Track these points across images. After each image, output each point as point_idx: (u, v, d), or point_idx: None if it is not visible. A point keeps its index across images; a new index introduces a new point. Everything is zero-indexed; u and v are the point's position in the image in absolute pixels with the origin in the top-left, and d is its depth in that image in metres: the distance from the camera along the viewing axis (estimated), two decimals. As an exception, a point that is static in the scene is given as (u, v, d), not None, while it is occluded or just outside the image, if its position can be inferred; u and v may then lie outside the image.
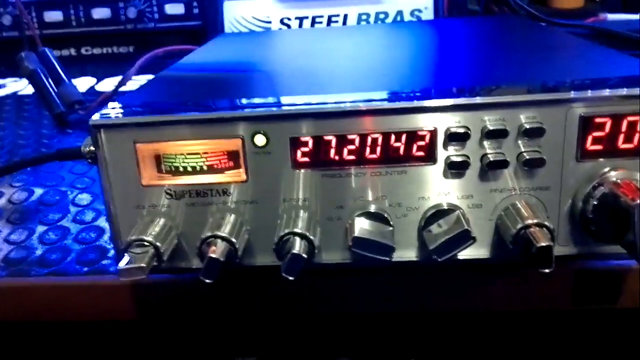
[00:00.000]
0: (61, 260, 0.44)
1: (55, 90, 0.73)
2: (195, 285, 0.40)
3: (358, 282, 0.40)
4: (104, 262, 0.43)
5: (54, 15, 0.93)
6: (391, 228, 0.35)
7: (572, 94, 0.33)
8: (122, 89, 0.77)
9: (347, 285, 0.40)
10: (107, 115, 0.34)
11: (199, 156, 0.35)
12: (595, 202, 0.34)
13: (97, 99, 0.72)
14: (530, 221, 0.33)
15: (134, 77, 0.80)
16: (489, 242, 0.36)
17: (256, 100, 0.36)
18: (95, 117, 0.34)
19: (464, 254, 0.35)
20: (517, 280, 0.40)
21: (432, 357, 0.46)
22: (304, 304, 0.41)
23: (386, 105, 0.34)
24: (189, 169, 0.35)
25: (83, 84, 0.86)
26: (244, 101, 0.36)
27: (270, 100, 0.36)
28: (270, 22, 0.92)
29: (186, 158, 0.35)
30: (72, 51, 0.96)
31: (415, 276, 0.40)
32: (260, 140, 0.34)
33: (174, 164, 0.35)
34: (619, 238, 0.33)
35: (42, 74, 0.73)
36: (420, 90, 0.35)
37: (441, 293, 0.40)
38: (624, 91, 0.33)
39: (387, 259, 0.34)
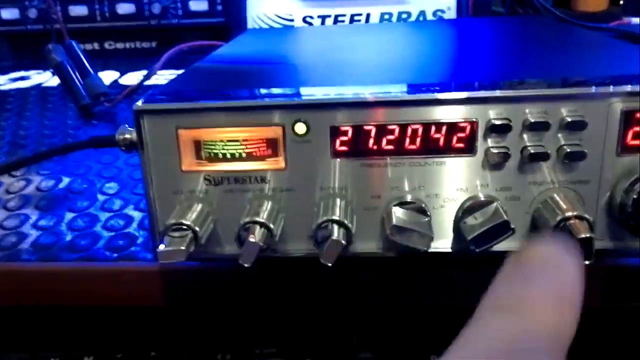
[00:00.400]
0: (90, 246, 0.44)
1: (81, 82, 0.73)
2: (225, 273, 0.41)
3: (381, 274, 0.40)
4: (133, 249, 0.44)
5: (78, 10, 0.94)
6: (428, 218, 0.35)
7: (615, 88, 0.33)
8: (147, 82, 0.77)
9: (371, 279, 0.40)
10: (151, 101, 0.35)
11: (238, 143, 0.35)
12: (635, 197, 0.34)
13: (123, 92, 0.73)
14: (570, 213, 0.33)
15: (158, 72, 0.80)
16: (525, 235, 0.36)
17: (296, 90, 0.36)
18: (139, 103, 0.34)
19: (501, 246, 0.35)
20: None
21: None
22: (327, 296, 0.41)
23: (428, 96, 0.34)
24: (228, 155, 0.35)
25: (107, 77, 0.86)
26: (284, 90, 0.36)
27: (309, 90, 0.36)
28: (292, 20, 0.93)
29: (226, 145, 0.35)
30: (96, 45, 0.97)
31: (440, 270, 0.40)
32: (300, 128, 0.34)
33: (214, 151, 0.35)
34: (657, 233, 0.33)
35: (68, 66, 0.74)
36: (463, 82, 0.35)
37: (465, 287, 0.40)
38: (667, 86, 0.33)
39: (425, 248, 0.34)
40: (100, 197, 0.52)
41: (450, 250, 0.36)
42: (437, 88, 0.34)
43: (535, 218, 0.35)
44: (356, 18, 0.93)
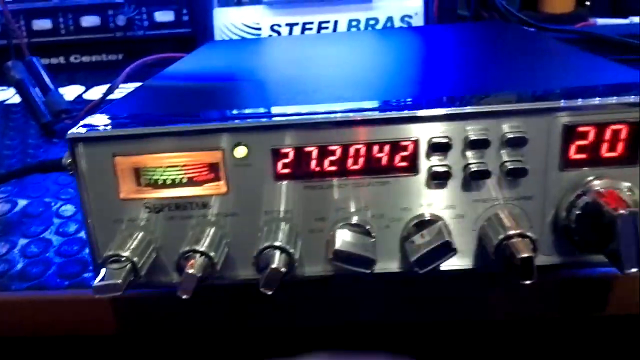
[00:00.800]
0: (42, 273, 0.43)
1: (43, 99, 0.72)
2: (176, 300, 0.40)
3: (348, 292, 0.40)
4: (86, 275, 0.43)
5: (42, 24, 0.93)
6: (373, 240, 0.34)
7: (555, 103, 0.33)
8: (110, 97, 0.76)
9: (337, 296, 0.40)
10: (86, 128, 0.34)
11: (178, 169, 0.34)
12: (578, 212, 0.33)
13: (84, 108, 0.72)
14: (512, 232, 0.32)
15: (122, 85, 0.79)
16: (472, 253, 0.35)
17: (238, 112, 0.35)
18: (73, 130, 0.34)
19: (447, 265, 0.34)
20: (503, 290, 0.39)
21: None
22: (285, 316, 0.40)
23: (367, 115, 0.33)
24: (169, 181, 0.34)
25: (72, 92, 0.85)
26: (226, 112, 0.35)
27: (254, 110, 0.35)
28: (260, 29, 0.92)
29: (165, 171, 0.34)
30: (62, 59, 0.95)
31: (402, 286, 0.39)
32: (241, 151, 0.34)
33: (153, 177, 0.34)
34: (603, 248, 0.33)
35: (28, 84, 0.73)
36: (403, 100, 0.35)
37: (427, 303, 0.40)
38: (609, 100, 0.32)
39: (368, 271, 0.33)
40: (56, 221, 0.51)
41: (397, 270, 0.36)
42: (376, 108, 0.34)
43: (480, 236, 0.35)
44: (324, 25, 0.92)
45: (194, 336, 0.44)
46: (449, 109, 0.33)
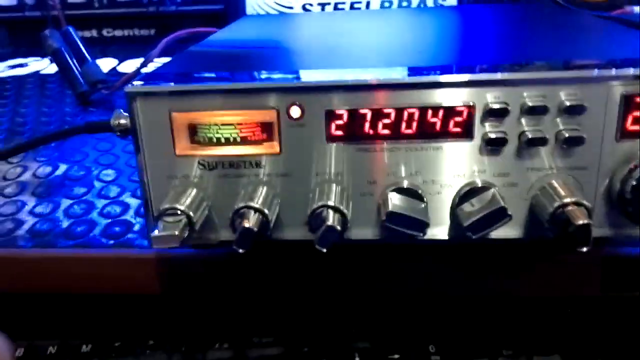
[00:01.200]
0: (87, 233, 0.44)
1: (79, 69, 0.73)
2: (221, 260, 0.40)
3: (380, 262, 0.40)
4: (130, 235, 0.43)
5: (76, -4, 0.93)
6: (424, 204, 0.34)
7: (615, 72, 0.32)
8: (144, 70, 0.77)
9: (369, 267, 0.40)
10: (144, 83, 0.34)
11: (233, 127, 0.34)
12: (633, 183, 0.33)
13: (120, 79, 0.72)
14: (568, 200, 0.32)
15: (155, 59, 0.80)
16: (522, 222, 0.35)
17: (291, 73, 0.35)
18: (132, 84, 0.34)
19: (497, 233, 0.34)
20: (544, 266, 0.39)
21: (453, 342, 0.46)
22: (324, 284, 0.41)
23: (424, 79, 0.33)
24: (223, 140, 0.35)
25: (105, 65, 0.86)
26: (279, 75, 0.35)
27: (305, 73, 0.35)
28: (292, 8, 0.92)
29: (220, 129, 0.34)
30: (94, 33, 0.96)
31: (438, 259, 0.40)
32: (295, 112, 0.34)
33: (208, 135, 0.34)
34: (656, 220, 0.33)
35: (65, 53, 0.73)
36: (458, 65, 0.35)
37: (460, 277, 0.40)
38: (667, 70, 0.32)
39: (421, 234, 0.33)
40: (97, 185, 0.51)
41: (447, 237, 0.36)
42: (436, 71, 0.34)
43: (533, 204, 0.35)
44: (356, 6, 0.92)
45: (239, 299, 0.45)
46: (507, 73, 0.33)
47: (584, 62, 0.34)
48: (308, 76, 0.35)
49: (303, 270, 0.40)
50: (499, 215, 0.33)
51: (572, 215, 0.31)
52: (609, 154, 0.34)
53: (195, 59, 0.45)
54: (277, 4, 0.93)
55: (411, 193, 0.35)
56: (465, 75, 0.33)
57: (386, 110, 0.34)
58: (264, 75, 0.35)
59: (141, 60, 0.80)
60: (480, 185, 0.35)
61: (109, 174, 0.53)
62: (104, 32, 0.96)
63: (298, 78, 0.34)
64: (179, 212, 0.33)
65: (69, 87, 0.73)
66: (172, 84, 0.34)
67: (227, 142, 0.35)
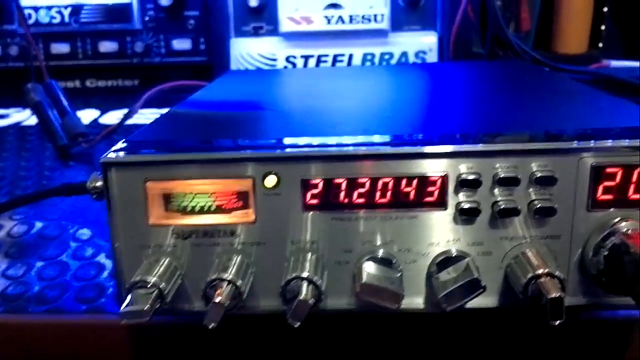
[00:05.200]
0: (59, 297, 0.43)
1: (60, 122, 0.73)
2: (196, 329, 0.40)
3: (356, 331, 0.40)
4: (103, 300, 0.43)
5: (60, 47, 0.94)
6: (400, 274, 0.34)
7: (585, 144, 0.33)
8: (127, 122, 0.77)
9: (348, 337, 0.40)
10: (120, 153, 0.34)
11: (208, 196, 0.34)
12: (605, 253, 0.33)
13: (101, 132, 0.72)
14: (540, 271, 0.32)
15: (139, 111, 0.80)
16: (498, 291, 0.35)
17: (269, 141, 0.36)
18: (107, 155, 0.34)
19: (473, 304, 0.34)
20: (522, 331, 0.39)
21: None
22: (307, 351, 0.40)
23: (398, 150, 0.34)
24: (197, 208, 0.34)
25: (87, 116, 0.86)
26: (256, 142, 0.36)
27: (283, 141, 0.36)
28: (276, 60, 0.93)
29: (195, 197, 0.34)
30: (77, 83, 0.96)
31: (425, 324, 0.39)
32: (271, 181, 0.34)
33: (183, 204, 0.34)
34: (630, 290, 0.33)
35: (46, 106, 0.73)
36: (432, 136, 0.35)
37: (450, 343, 0.40)
38: (637, 142, 0.33)
39: (395, 307, 0.33)
40: (73, 244, 0.51)
41: (422, 307, 0.36)
42: (412, 142, 0.34)
43: (507, 274, 0.35)
44: (339, 58, 0.93)
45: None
46: (480, 145, 0.33)
47: (555, 133, 0.35)
48: (283, 145, 0.35)
49: (277, 340, 0.39)
50: (474, 287, 0.33)
51: (545, 287, 0.31)
52: (581, 223, 0.34)
53: (175, 122, 0.45)
54: (261, 55, 0.94)
55: (386, 262, 0.35)
56: (438, 147, 0.33)
57: (361, 180, 0.34)
58: (239, 144, 0.35)
59: (124, 111, 0.80)
60: (454, 254, 0.35)
61: (84, 232, 0.53)
62: (87, 83, 0.96)
63: (274, 148, 0.34)
64: (149, 284, 0.32)
65: (49, 141, 0.73)
66: (149, 153, 0.34)
67: (202, 210, 0.34)
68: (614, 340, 0.40)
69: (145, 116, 0.80)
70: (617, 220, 0.34)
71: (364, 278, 0.33)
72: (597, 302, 0.35)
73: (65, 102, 0.75)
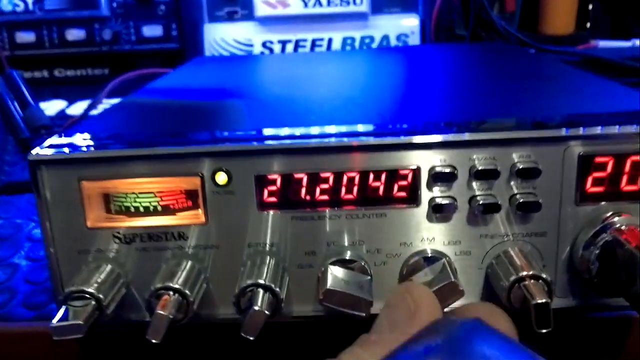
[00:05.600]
0: (6, 303, 0.40)
1: (21, 114, 0.69)
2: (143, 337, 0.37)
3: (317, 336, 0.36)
4: (54, 305, 0.39)
5: (26, 36, 0.89)
6: (369, 277, 0.31)
7: (570, 131, 0.29)
8: (92, 112, 0.73)
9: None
10: (50, 150, 0.30)
11: (152, 195, 0.31)
12: (597, 251, 0.30)
13: (65, 124, 0.68)
14: (524, 273, 0.29)
15: (106, 101, 0.76)
16: (479, 293, 0.32)
17: (219, 134, 0.32)
18: (35, 151, 0.30)
19: (453, 306, 0.31)
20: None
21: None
22: None
23: (363, 141, 0.30)
24: (141, 209, 0.31)
25: (54, 107, 0.82)
26: (206, 135, 0.32)
27: (239, 133, 0.32)
28: (252, 46, 0.89)
29: (138, 197, 0.31)
30: (45, 73, 0.92)
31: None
32: (221, 178, 0.30)
33: (124, 204, 0.31)
34: (623, 290, 0.30)
35: (7, 98, 0.70)
36: (401, 125, 0.32)
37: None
38: (628, 128, 0.29)
39: (364, 314, 0.30)
40: (26, 244, 0.47)
41: (394, 312, 0.32)
42: (373, 132, 0.30)
43: (489, 275, 0.31)
44: (318, 43, 0.89)
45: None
46: (453, 135, 0.30)
47: (539, 120, 0.31)
48: (235, 138, 0.31)
49: (237, 350, 0.36)
50: (450, 291, 0.29)
51: (529, 291, 0.28)
52: (569, 218, 0.31)
53: (128, 112, 0.42)
54: (236, 41, 0.90)
55: (353, 265, 0.31)
56: (409, 138, 0.30)
57: (324, 175, 0.30)
58: (185, 138, 0.32)
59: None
60: (430, 254, 0.31)
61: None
62: (56, 72, 0.92)
63: (224, 141, 0.31)
64: (87, 295, 0.29)
65: (10, 134, 0.69)
66: (82, 150, 0.30)
67: (147, 211, 0.31)
68: (609, 339, 0.37)
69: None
70: (609, 214, 0.31)
71: (329, 283, 0.30)
72: (588, 304, 0.32)
73: (26, 93, 0.71)
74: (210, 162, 0.30)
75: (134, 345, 0.38)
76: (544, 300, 0.27)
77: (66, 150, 0.30)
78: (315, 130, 0.32)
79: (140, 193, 0.31)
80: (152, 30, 0.89)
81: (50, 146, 0.31)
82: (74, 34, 0.89)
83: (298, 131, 0.31)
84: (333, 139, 0.30)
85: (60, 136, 0.33)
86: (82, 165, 0.30)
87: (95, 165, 0.30)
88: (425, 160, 0.30)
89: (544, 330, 0.28)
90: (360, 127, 0.32)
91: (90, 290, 0.29)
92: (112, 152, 0.30)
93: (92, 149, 0.30)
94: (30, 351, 0.38)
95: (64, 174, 0.30)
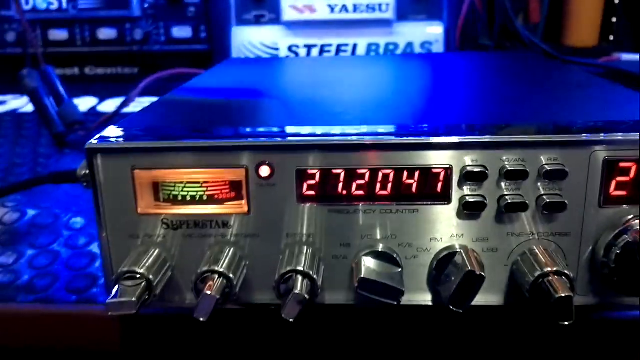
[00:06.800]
0: (49, 286, 0.42)
1: (56, 109, 0.71)
2: (188, 320, 0.38)
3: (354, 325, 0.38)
4: (94, 290, 0.41)
5: (59, 34, 0.92)
6: (400, 269, 0.33)
7: (597, 136, 0.31)
8: (125, 110, 0.75)
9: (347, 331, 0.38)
10: (105, 140, 0.33)
11: (199, 185, 0.33)
12: (618, 252, 0.32)
13: (98, 120, 0.71)
14: (548, 269, 0.31)
15: (137, 99, 0.78)
16: (504, 288, 0.34)
17: (262, 130, 0.34)
18: (93, 141, 0.32)
19: (478, 300, 0.32)
20: (529, 330, 0.38)
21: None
22: (302, 346, 0.39)
23: (400, 140, 0.32)
24: (188, 198, 0.33)
25: (85, 104, 0.84)
26: (249, 130, 0.34)
27: (277, 130, 0.34)
28: (278, 50, 0.91)
29: (186, 187, 0.33)
30: (76, 70, 0.95)
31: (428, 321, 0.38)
32: (264, 171, 0.32)
33: (173, 193, 0.33)
34: (643, 290, 0.31)
35: (42, 93, 0.72)
36: (436, 126, 0.34)
37: (448, 341, 0.38)
38: (652, 135, 0.31)
39: (395, 303, 0.31)
40: (65, 233, 0.49)
41: (425, 302, 0.34)
42: (414, 133, 0.32)
43: (514, 271, 0.33)
44: (343, 48, 0.91)
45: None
46: (485, 136, 0.32)
47: (566, 125, 0.33)
48: (278, 133, 0.33)
49: (272, 333, 0.38)
50: (471, 280, 0.31)
51: (553, 286, 0.30)
52: (592, 220, 0.32)
53: (169, 108, 0.44)
54: (263, 45, 0.92)
55: (386, 257, 0.33)
56: (443, 138, 0.32)
57: (360, 171, 0.32)
58: (232, 132, 0.34)
59: (122, 99, 0.79)
60: (457, 250, 0.33)
61: (77, 221, 0.51)
62: (86, 70, 0.94)
63: (268, 136, 0.33)
64: (137, 275, 0.31)
65: (45, 128, 0.71)
66: (136, 140, 0.32)
67: (193, 200, 0.33)
68: (627, 341, 0.38)
69: (143, 104, 0.79)
70: (630, 217, 0.32)
71: (363, 272, 0.31)
72: (608, 303, 0.34)
73: (61, 89, 0.73)
74: (255, 155, 0.32)
75: (171, 332, 0.40)
76: (567, 294, 0.29)
77: (120, 140, 0.33)
78: (351, 129, 0.33)
79: (188, 183, 0.33)
80: (181, 32, 0.91)
81: (105, 137, 0.33)
82: (106, 33, 0.92)
83: (336, 129, 0.33)
84: (369, 137, 0.32)
85: (112, 128, 0.35)
86: (135, 154, 0.32)
87: (148, 155, 0.32)
88: (457, 160, 0.32)
89: (565, 323, 0.29)
90: (395, 127, 0.34)
91: (141, 271, 0.31)
92: (164, 143, 0.32)
93: (144, 140, 0.32)
94: (72, 332, 0.40)
95: (119, 162, 0.32)
